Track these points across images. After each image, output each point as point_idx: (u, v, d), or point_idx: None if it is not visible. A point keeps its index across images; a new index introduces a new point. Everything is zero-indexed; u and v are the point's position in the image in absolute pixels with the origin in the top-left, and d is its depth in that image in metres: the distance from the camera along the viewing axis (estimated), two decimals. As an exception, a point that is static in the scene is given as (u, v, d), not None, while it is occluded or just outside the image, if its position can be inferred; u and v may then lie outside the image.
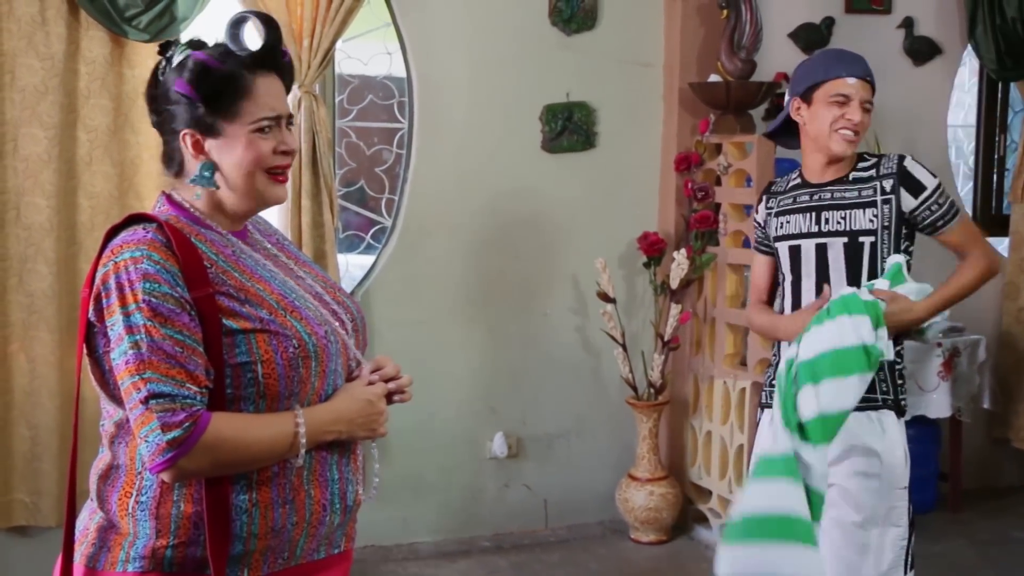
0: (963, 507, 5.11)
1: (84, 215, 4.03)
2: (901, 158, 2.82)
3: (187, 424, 1.66)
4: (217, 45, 1.83)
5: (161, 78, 1.83)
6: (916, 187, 2.78)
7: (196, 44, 1.83)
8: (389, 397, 1.93)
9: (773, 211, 2.96)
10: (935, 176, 2.83)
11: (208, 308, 1.72)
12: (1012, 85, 5.54)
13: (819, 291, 2.79)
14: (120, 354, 1.69)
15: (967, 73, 5.63)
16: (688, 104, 4.79)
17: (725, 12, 4.62)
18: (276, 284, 1.84)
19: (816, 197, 2.85)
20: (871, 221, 2.77)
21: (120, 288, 1.70)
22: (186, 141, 1.81)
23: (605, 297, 4.59)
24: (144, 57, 4.03)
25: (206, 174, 1.81)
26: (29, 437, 3.98)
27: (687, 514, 4.83)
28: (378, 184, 4.71)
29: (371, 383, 1.88)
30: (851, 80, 2.82)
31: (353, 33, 4.40)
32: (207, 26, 4.17)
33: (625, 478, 4.73)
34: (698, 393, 4.81)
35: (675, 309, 4.60)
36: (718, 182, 4.69)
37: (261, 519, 1.75)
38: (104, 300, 1.72)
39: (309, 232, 4.17)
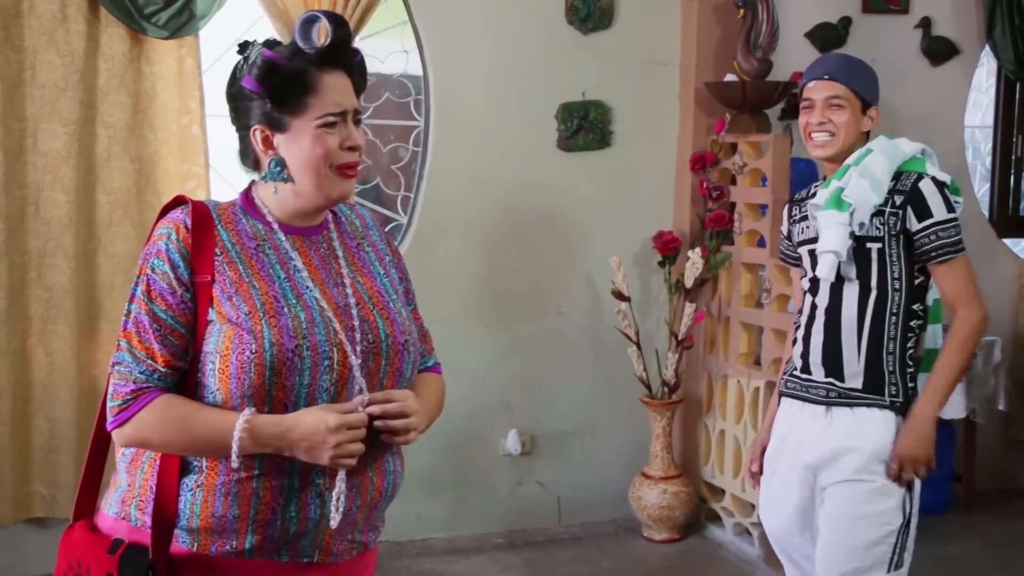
0: (977, 509, 5.10)
1: (103, 211, 4.06)
2: (919, 177, 2.75)
3: (129, 397, 1.80)
4: (289, 45, 1.88)
5: (237, 76, 1.90)
6: (923, 211, 2.72)
7: (270, 43, 1.89)
8: (378, 432, 1.85)
9: (795, 218, 2.99)
10: (952, 211, 2.73)
11: (204, 293, 1.81)
12: (1030, 86, 5.53)
13: (833, 294, 2.80)
14: (123, 315, 1.86)
15: (984, 74, 5.62)
16: (704, 103, 4.79)
17: (741, 11, 4.62)
18: (278, 286, 1.84)
19: None
20: (878, 228, 2.74)
21: (143, 259, 1.85)
22: (256, 136, 1.88)
23: (620, 295, 4.59)
24: (163, 54, 4.07)
25: (276, 169, 1.88)
26: (47, 430, 4.02)
27: (700, 513, 4.84)
28: (394, 182, 4.73)
29: (349, 412, 1.79)
30: (811, 83, 2.83)
31: (370, 31, 4.42)
32: (226, 23, 4.20)
33: (638, 476, 4.74)
34: (712, 392, 4.81)
35: (689, 308, 4.60)
36: (733, 181, 4.69)
37: (203, 502, 1.79)
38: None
39: (325, 229, 4.19)
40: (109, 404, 1.81)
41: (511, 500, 4.81)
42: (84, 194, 4.01)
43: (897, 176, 2.78)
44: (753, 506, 4.47)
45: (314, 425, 1.76)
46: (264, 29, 4.26)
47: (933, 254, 2.73)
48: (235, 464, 1.76)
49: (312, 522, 1.82)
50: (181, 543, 1.81)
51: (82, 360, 4.05)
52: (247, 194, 1.95)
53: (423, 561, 4.49)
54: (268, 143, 1.88)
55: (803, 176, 4.64)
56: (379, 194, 4.74)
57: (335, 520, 1.82)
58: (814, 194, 2.91)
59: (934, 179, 2.76)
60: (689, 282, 4.60)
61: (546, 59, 4.69)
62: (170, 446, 1.80)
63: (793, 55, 4.86)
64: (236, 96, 1.90)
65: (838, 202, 2.74)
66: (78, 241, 4.00)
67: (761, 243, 4.54)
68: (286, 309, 1.82)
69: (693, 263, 4.56)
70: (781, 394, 2.96)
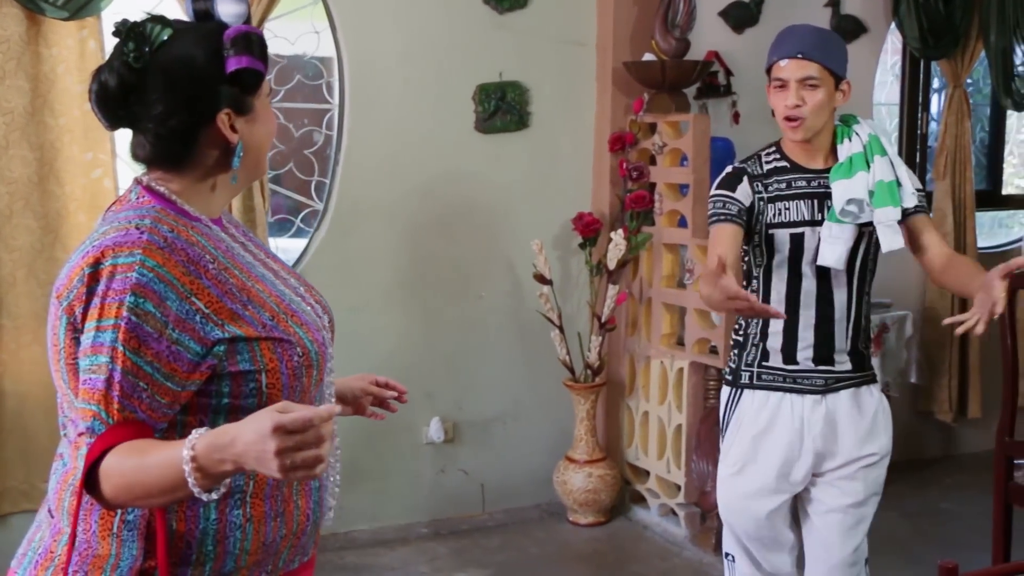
0: (891, 480, 5.16)
1: (1, 202, 3.86)
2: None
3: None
4: (212, 20, 1.68)
5: (198, 61, 1.65)
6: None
7: (173, 21, 1.67)
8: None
9: (764, 197, 2.77)
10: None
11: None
12: (934, 63, 5.62)
13: (822, 281, 2.76)
14: (85, 370, 1.54)
15: (889, 51, 5.70)
16: (622, 83, 4.75)
17: (658, -10, 4.59)
18: (269, 285, 1.71)
19: (815, 184, 2.75)
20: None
21: (103, 297, 1.53)
22: (224, 122, 1.65)
23: (541, 279, 4.54)
24: (63, 36, 3.86)
25: (241, 155, 1.69)
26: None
27: (625, 495, 4.83)
28: (308, 167, 4.59)
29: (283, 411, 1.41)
30: (783, 63, 2.71)
31: (280, 11, 4.26)
32: (129, 4, 4.00)
33: (563, 460, 4.71)
34: (634, 374, 4.80)
35: (612, 290, 4.57)
36: (653, 162, 4.67)
37: (254, 534, 1.64)
38: (83, 305, 1.55)
39: (240, 217, 4.05)
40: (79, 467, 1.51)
41: (435, 489, 4.74)
42: (-20, 185, 3.80)
43: None
44: (679, 487, 4.49)
45: (256, 431, 1.38)
46: (170, 9, 4.08)
47: (919, 209, 2.78)
48: (215, 496, 1.46)
49: (322, 517, 1.77)
50: None
51: (-18, 359, 3.85)
52: (160, 195, 1.66)
53: (347, 555, 4.40)
54: (233, 129, 1.67)
55: (721, 154, 4.64)
56: (292, 179, 4.59)
57: (331, 510, 1.81)
58: (780, 169, 2.77)
59: None
60: (612, 264, 4.57)
61: (462, 39, 4.59)
62: (139, 503, 1.52)
63: (707, 34, 4.87)
64: (198, 82, 1.64)
65: (894, 197, 2.69)
66: (-25, 234, 3.79)
67: (682, 223, 4.52)
68: (293, 305, 1.70)
69: (615, 244, 4.53)
70: (749, 387, 2.84)
